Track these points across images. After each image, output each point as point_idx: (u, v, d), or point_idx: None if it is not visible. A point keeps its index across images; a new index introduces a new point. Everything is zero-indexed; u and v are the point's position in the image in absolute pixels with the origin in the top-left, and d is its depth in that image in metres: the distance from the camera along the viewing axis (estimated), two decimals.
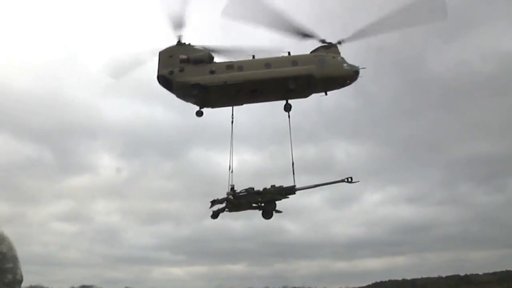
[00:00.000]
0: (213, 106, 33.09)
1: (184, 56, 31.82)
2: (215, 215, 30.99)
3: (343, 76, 31.83)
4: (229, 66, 31.78)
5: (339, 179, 31.44)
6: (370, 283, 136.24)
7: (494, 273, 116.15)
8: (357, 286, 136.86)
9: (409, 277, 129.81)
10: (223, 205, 30.93)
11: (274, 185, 30.84)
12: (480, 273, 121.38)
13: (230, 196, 30.12)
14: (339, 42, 32.64)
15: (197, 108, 32.74)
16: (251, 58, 32.34)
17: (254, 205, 31.01)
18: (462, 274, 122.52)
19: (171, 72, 31.63)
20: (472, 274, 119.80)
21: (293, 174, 30.82)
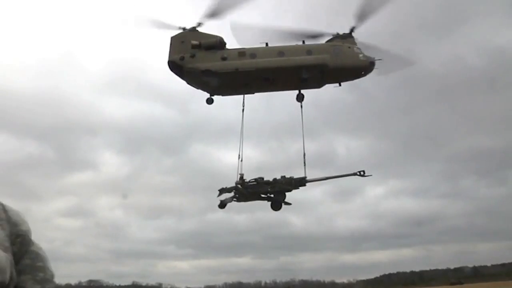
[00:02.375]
0: (223, 94, 32.52)
1: (195, 42, 31.17)
2: (222, 204, 30.68)
3: (359, 67, 30.91)
4: (241, 53, 31.05)
5: (350, 172, 30.92)
6: (378, 275, 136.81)
7: (503, 265, 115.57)
8: (365, 278, 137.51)
9: (417, 269, 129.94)
10: (231, 194, 30.59)
11: (284, 176, 30.36)
12: (489, 264, 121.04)
13: (239, 185, 29.72)
14: (352, 30, 31.70)
15: (208, 95, 32.33)
16: (264, 45, 31.63)
17: (263, 195, 30.64)
18: (470, 266, 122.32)
19: (182, 58, 31.05)
20: (480, 266, 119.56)
21: (304, 165, 30.32)
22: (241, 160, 30.55)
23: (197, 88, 32.45)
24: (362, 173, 30.15)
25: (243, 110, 32.04)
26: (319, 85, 31.96)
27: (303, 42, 31.68)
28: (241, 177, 30.10)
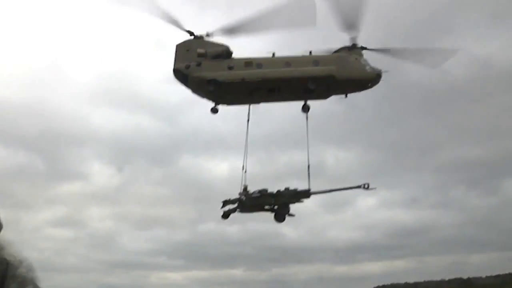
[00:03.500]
0: (228, 103, 32.09)
1: (202, 50, 30.80)
2: (225, 215, 30.27)
3: (365, 79, 30.77)
4: (247, 62, 30.73)
5: (355, 185, 30.63)
6: (372, 287, 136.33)
7: (498, 276, 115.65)
8: None
9: (411, 281, 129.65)
10: (235, 205, 30.19)
11: (288, 188, 30.00)
12: (483, 276, 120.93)
13: (243, 197, 29.31)
14: (363, 48, 31.59)
15: (212, 104, 31.94)
16: (270, 55, 31.39)
17: (266, 207, 30.25)
18: (464, 277, 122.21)
19: (188, 66, 30.65)
20: (474, 277, 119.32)
21: (308, 177, 29.94)
22: (245, 171, 30.19)
23: (202, 97, 32.03)
24: (366, 186, 29.90)
25: (248, 120, 31.77)
26: (325, 96, 31.73)
27: (310, 52, 31.50)
28: (245, 189, 29.72)
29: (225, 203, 30.10)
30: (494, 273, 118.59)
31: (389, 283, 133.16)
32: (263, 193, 29.63)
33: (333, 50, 32.39)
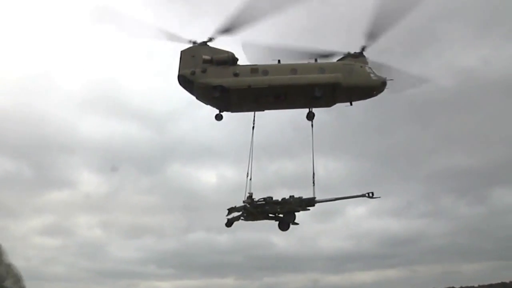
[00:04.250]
0: (233, 110, 31.97)
1: (207, 57, 30.75)
2: (229, 223, 30.09)
3: (371, 86, 30.89)
4: (253, 69, 30.71)
5: (359, 193, 30.63)
6: None
7: (490, 285, 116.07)
8: None
9: None
10: (239, 213, 29.99)
11: (293, 196, 29.89)
12: (475, 285, 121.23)
13: (247, 205, 29.14)
14: (363, 49, 31.74)
15: (217, 111, 31.81)
16: (276, 62, 31.38)
17: (271, 215, 30.09)
18: (457, 286, 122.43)
19: (193, 73, 30.55)
20: (467, 287, 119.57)
21: (313, 185, 29.87)
22: (250, 179, 30.00)
23: (206, 104, 31.91)
24: (371, 194, 29.96)
25: (253, 127, 31.66)
26: (330, 104, 31.71)
27: (316, 60, 31.56)
28: (250, 196, 29.53)
29: (231, 210, 29.90)
30: (487, 283, 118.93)
31: None
32: (268, 200, 29.48)
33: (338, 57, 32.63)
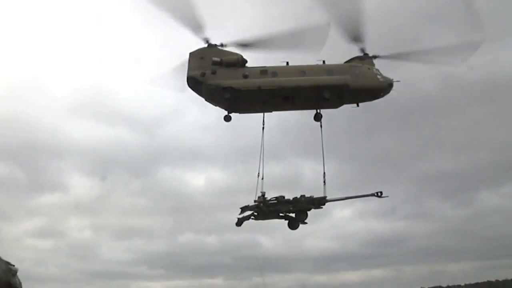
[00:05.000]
0: (241, 112, 32.18)
1: (217, 59, 30.90)
2: (239, 222, 30.27)
3: (378, 88, 31.40)
4: (263, 71, 30.99)
5: (368, 193, 31.16)
6: None
7: (476, 284, 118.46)
8: None
9: None
10: (249, 213, 30.20)
11: (304, 195, 30.23)
12: (462, 284, 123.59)
13: (261, 204, 29.35)
14: (374, 57, 32.27)
15: (225, 112, 31.98)
16: (284, 64, 31.73)
17: (282, 214, 30.37)
18: (443, 285, 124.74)
19: (203, 74, 30.70)
20: (454, 286, 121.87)
21: (324, 184, 30.27)
22: (262, 179, 30.24)
23: (215, 105, 32.04)
24: (379, 194, 30.52)
25: (263, 128, 31.89)
26: (337, 105, 32.14)
27: (323, 62, 31.99)
28: (263, 195, 29.77)
29: (244, 209, 30.09)
30: (473, 281, 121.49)
31: None
32: (280, 199, 29.75)
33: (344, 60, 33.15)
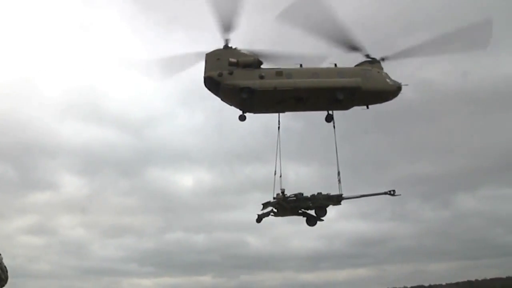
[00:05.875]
0: (256, 112, 33.15)
1: (233, 60, 31.81)
2: (259, 219, 31.22)
3: (388, 91, 32.74)
4: (278, 72, 32.00)
5: (381, 191, 32.46)
6: None
7: (457, 283, 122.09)
8: None
9: None
10: (269, 209, 31.17)
11: (320, 193, 31.37)
12: (443, 283, 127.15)
13: (282, 200, 30.35)
14: (382, 59, 33.70)
15: (240, 112, 32.93)
16: (298, 66, 32.88)
17: (300, 211, 31.44)
18: (426, 284, 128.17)
19: (220, 74, 31.54)
20: (435, 285, 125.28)
21: (339, 183, 31.49)
22: (280, 176, 31.26)
23: (230, 105, 32.95)
24: (392, 192, 31.85)
25: (278, 128, 32.96)
26: (348, 107, 33.39)
27: (335, 65, 33.25)
28: (283, 192, 30.78)
29: (265, 205, 31.03)
30: (454, 281, 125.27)
31: None
32: (298, 196, 30.79)
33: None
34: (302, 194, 31.17)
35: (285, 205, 30.56)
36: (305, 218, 32.51)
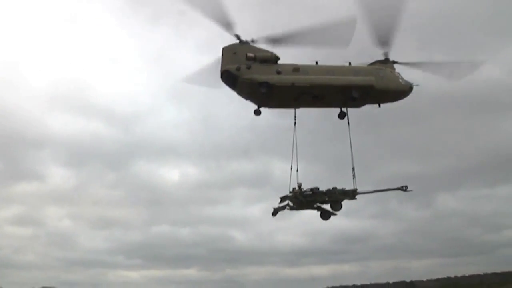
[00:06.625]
0: (271, 106, 33.55)
1: (251, 54, 32.05)
2: (275, 212, 31.73)
3: (400, 91, 33.53)
4: (295, 68, 32.34)
5: (395, 187, 33.32)
6: None
7: (437, 280, 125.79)
8: None
9: (358, 283, 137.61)
10: (285, 203, 31.69)
11: (335, 187, 32.03)
12: (424, 279, 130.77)
13: (299, 194, 30.90)
14: (394, 62, 34.47)
15: (255, 106, 33.27)
16: (314, 63, 33.36)
17: (314, 205, 32.06)
18: (407, 280, 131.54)
19: (239, 68, 31.74)
20: (417, 281, 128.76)
21: (353, 178, 32.19)
22: (297, 171, 31.78)
23: (246, 99, 33.20)
24: (405, 188, 32.77)
25: (295, 123, 33.37)
26: (360, 105, 34.09)
27: (349, 63, 33.86)
28: (299, 186, 31.33)
29: (283, 199, 31.51)
30: (434, 277, 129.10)
31: (338, 285, 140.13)
32: (314, 191, 31.39)
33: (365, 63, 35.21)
34: (318, 188, 31.75)
35: (302, 199, 31.10)
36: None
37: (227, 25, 31.49)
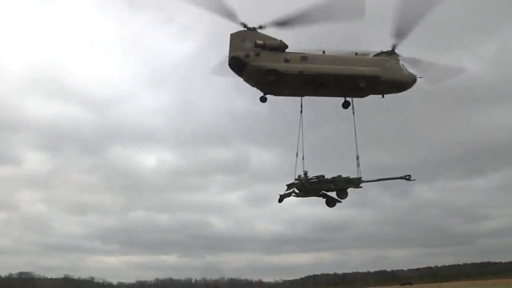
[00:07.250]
0: (277, 94, 33.79)
1: (261, 42, 32.13)
2: (281, 199, 32.13)
3: (404, 82, 34.15)
4: (303, 57, 32.57)
5: (398, 176, 34.02)
6: (303, 276, 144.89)
7: (418, 269, 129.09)
8: (290, 279, 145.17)
9: (339, 272, 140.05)
10: (291, 190, 32.11)
11: (340, 175, 32.59)
12: (405, 269, 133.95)
13: (305, 182, 31.32)
14: (394, 47, 34.96)
15: (261, 94, 33.46)
16: (321, 53, 33.67)
17: (321, 193, 32.59)
18: (388, 269, 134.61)
19: (247, 55, 31.78)
20: (397, 270, 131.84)
21: (358, 166, 32.80)
22: (303, 158, 32.19)
23: (253, 86, 33.36)
24: (408, 177, 33.52)
25: (301, 111, 33.70)
26: (364, 95, 34.65)
27: (356, 54, 34.28)
28: (305, 174, 31.77)
29: (290, 186, 31.88)
30: (414, 267, 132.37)
31: (319, 273, 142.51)
32: (320, 179, 31.89)
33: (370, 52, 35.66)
34: (324, 176, 32.26)
35: (308, 186, 31.55)
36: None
37: (230, 15, 31.38)
